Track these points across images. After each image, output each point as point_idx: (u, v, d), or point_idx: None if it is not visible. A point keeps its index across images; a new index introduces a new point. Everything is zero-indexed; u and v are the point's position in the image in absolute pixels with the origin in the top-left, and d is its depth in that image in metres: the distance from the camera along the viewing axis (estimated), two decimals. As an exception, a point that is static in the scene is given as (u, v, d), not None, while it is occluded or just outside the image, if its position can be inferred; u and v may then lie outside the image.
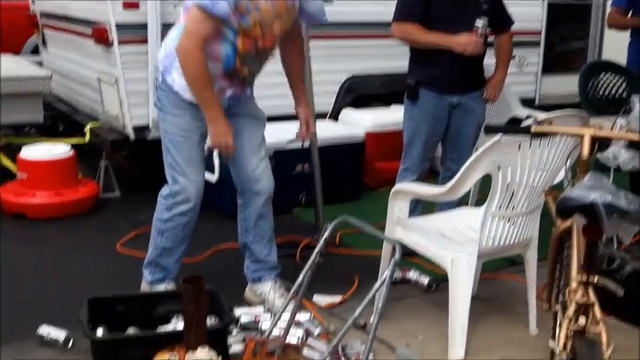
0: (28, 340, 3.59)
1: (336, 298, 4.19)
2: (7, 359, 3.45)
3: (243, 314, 3.83)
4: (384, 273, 3.01)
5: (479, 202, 4.16)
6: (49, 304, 3.99)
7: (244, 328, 3.76)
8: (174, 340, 3.15)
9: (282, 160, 5.41)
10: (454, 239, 3.70)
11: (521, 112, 6.23)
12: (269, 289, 3.98)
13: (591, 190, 2.53)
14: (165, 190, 3.86)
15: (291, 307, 3.40)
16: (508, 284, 4.41)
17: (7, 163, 5.97)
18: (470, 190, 4.33)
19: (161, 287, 3.93)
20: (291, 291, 3.38)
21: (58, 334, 3.57)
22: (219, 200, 5.40)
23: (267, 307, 3.86)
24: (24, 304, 4.03)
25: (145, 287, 3.97)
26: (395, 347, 3.60)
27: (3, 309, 3.94)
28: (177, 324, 3.54)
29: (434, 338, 3.71)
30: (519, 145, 3.37)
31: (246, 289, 4.10)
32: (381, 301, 2.97)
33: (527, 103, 6.79)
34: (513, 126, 4.96)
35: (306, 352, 3.49)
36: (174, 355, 3.09)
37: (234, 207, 4.05)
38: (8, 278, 4.35)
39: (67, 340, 3.56)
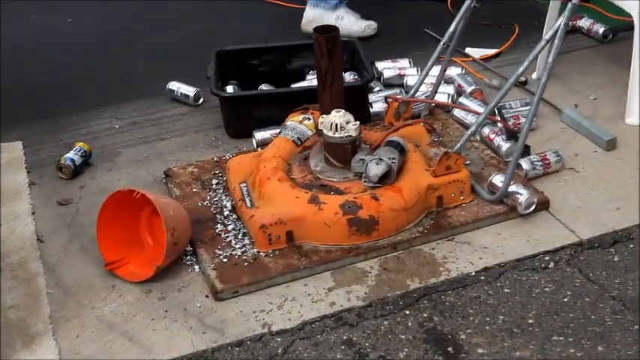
0: (159, 97, 3.37)
1: (492, 50, 3.67)
2: (136, 112, 3.27)
3: (386, 69, 3.41)
4: (558, 21, 2.44)
5: None
6: (180, 59, 3.72)
7: (387, 84, 3.37)
8: (308, 98, 2.80)
9: None
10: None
11: None
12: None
13: None
14: None
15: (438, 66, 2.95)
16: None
17: None
18: None
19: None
20: (441, 42, 2.90)
21: (187, 89, 3.32)
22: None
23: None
24: (154, 58, 3.79)
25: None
26: (561, 109, 3.11)
27: (134, 66, 3.73)
28: (313, 80, 3.19)
29: (608, 99, 3.18)
30: None
31: None
32: (552, 56, 2.44)
33: None
34: None
35: (456, 112, 3.08)
36: (308, 117, 2.76)
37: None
38: (143, 30, 4.12)
39: (197, 97, 3.31)
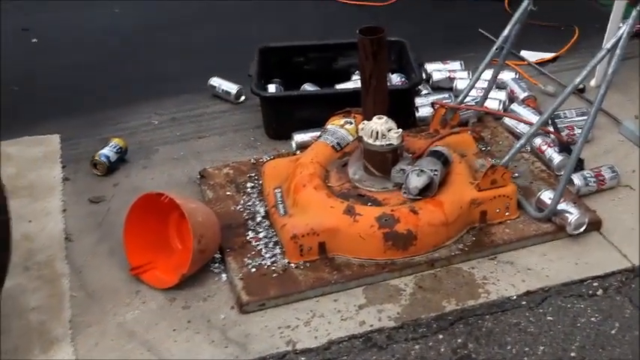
0: (200, 92, 3.29)
1: (549, 54, 3.49)
2: (175, 108, 3.20)
3: (436, 71, 3.27)
4: (621, 29, 2.26)
5: None
6: (225, 54, 3.64)
7: (436, 87, 3.23)
8: (351, 101, 2.68)
9: None
10: None
11: None
12: None
13: None
14: None
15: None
16: None
17: None
18: None
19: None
20: (494, 46, 2.74)
21: (229, 86, 3.23)
22: None
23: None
24: (197, 53, 3.72)
25: None
26: (620, 120, 2.93)
27: (176, 60, 3.66)
28: (358, 81, 3.06)
29: (671, 108, 2.99)
30: None
31: None
32: (612, 66, 2.27)
33: None
34: None
35: (507, 120, 2.92)
36: (350, 120, 2.64)
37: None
38: (188, 23, 4.05)
39: (239, 94, 3.22)
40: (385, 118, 2.40)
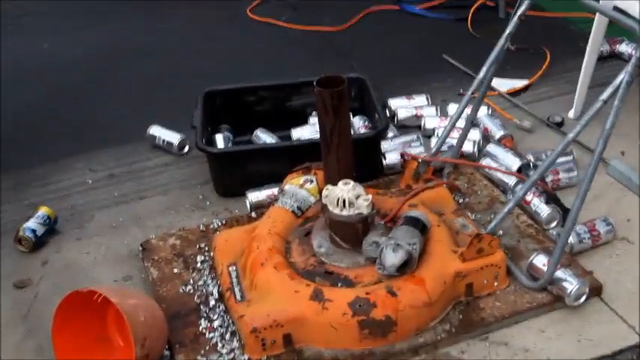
0: (141, 142, 2.93)
1: (521, 82, 3.22)
2: (113, 162, 2.84)
3: (401, 108, 2.98)
4: (619, 77, 1.96)
5: None
6: (169, 95, 3.28)
7: (402, 125, 2.93)
8: (310, 153, 2.35)
9: None
10: None
11: None
12: None
13: None
14: None
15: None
16: None
17: None
18: None
19: None
20: (470, 90, 2.43)
21: (171, 137, 2.88)
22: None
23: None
24: (138, 93, 3.35)
25: None
26: (607, 160, 2.66)
27: (115, 104, 3.29)
28: (316, 125, 2.75)
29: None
30: None
31: None
32: (610, 121, 1.99)
33: None
34: None
35: (483, 163, 2.63)
36: (311, 179, 2.32)
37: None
38: (127, 57, 3.68)
39: (182, 145, 2.87)
40: (352, 183, 2.08)
